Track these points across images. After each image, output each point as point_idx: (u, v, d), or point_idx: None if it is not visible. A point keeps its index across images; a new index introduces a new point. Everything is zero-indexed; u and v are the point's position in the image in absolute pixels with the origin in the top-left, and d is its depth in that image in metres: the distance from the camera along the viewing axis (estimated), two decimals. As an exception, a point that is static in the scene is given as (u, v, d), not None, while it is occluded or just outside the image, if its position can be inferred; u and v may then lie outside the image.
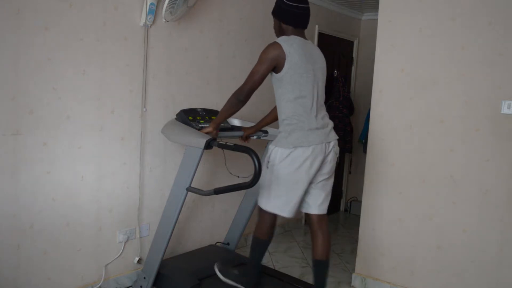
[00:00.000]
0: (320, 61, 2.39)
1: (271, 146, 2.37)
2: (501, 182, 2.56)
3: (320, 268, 2.47)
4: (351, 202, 5.25)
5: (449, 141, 2.71)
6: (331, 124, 2.42)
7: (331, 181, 2.47)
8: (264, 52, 2.28)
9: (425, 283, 2.84)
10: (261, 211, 2.46)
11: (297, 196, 2.34)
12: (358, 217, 3.30)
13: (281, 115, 2.36)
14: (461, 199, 2.69)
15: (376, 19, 3.04)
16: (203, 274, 2.77)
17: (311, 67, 2.30)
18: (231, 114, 2.44)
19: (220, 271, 2.56)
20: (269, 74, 2.34)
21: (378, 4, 3.00)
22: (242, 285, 2.51)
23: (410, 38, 2.83)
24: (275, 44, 2.27)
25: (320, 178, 2.39)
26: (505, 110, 2.51)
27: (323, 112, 2.39)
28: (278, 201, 2.35)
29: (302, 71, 2.26)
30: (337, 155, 2.43)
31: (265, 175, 2.34)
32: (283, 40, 2.28)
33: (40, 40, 2.31)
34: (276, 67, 2.27)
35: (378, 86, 2.99)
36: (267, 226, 2.47)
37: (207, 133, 2.47)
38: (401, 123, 2.89)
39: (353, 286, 3.15)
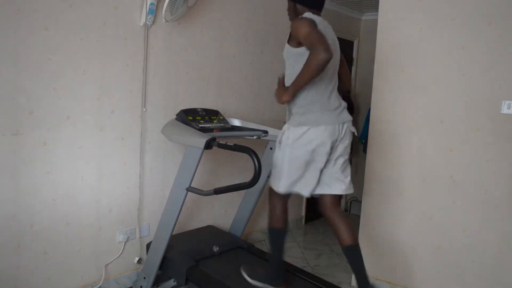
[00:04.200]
0: (336, 44, 2.33)
1: (285, 126, 2.30)
2: (501, 182, 2.56)
3: (352, 253, 2.34)
4: (351, 202, 5.25)
5: (449, 141, 2.71)
6: (343, 104, 2.35)
7: (347, 162, 2.38)
8: (301, 23, 2.10)
9: (425, 283, 2.84)
10: (271, 198, 2.40)
11: (311, 175, 2.29)
12: (358, 217, 3.30)
13: (298, 94, 2.25)
14: (461, 199, 2.69)
15: (376, 19, 3.04)
16: (200, 255, 2.78)
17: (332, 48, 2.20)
18: (314, 78, 2.10)
19: (247, 274, 2.52)
20: (286, 48, 2.25)
21: (378, 4, 3.00)
22: (270, 284, 2.45)
23: (410, 38, 2.83)
24: (305, 17, 2.16)
25: (337, 157, 2.32)
26: (505, 110, 2.51)
27: (336, 93, 2.33)
28: (289, 180, 2.28)
29: None
30: (355, 134, 2.36)
31: (277, 155, 2.32)
32: (309, 14, 2.19)
33: (40, 40, 2.31)
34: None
35: (378, 86, 2.99)
36: (280, 212, 2.39)
37: (284, 100, 2.20)
38: (401, 123, 2.89)
39: (353, 286, 3.15)
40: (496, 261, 2.59)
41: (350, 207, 5.26)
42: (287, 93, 2.16)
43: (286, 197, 2.40)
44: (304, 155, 2.24)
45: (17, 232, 2.35)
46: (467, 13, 2.62)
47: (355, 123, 5.04)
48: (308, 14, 2.21)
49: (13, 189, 2.31)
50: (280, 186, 2.31)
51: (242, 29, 3.53)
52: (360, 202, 3.18)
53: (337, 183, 2.35)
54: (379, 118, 2.99)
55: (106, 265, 2.79)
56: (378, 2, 2.99)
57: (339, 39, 2.40)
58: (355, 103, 5.05)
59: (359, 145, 5.02)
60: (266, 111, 3.84)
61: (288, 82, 2.27)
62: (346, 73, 2.51)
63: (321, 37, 2.02)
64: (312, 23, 2.11)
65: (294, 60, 2.23)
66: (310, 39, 2.05)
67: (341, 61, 2.42)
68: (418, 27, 2.80)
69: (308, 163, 2.26)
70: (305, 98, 2.23)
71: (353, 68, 5.10)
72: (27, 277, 2.42)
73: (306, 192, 2.31)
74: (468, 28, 2.62)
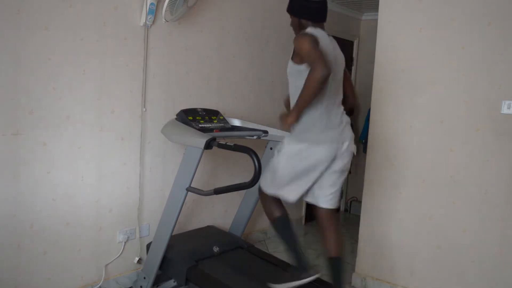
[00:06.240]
0: (339, 58, 2.34)
1: (287, 138, 2.33)
2: (501, 182, 2.56)
3: (334, 265, 2.40)
4: (351, 202, 5.25)
5: (449, 141, 2.71)
6: (345, 120, 2.34)
7: (343, 178, 2.40)
8: (302, 39, 2.12)
9: (425, 283, 2.84)
10: (261, 194, 2.44)
11: (301, 187, 2.32)
12: (358, 217, 3.30)
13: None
14: (461, 199, 2.69)
15: (376, 19, 3.04)
16: (200, 255, 2.79)
17: (333, 64, 2.23)
18: (315, 96, 2.12)
19: (276, 283, 2.43)
20: (290, 64, 2.27)
21: (378, 4, 3.00)
22: (298, 279, 2.37)
23: (410, 38, 2.83)
24: (307, 33, 2.16)
25: (331, 173, 2.33)
26: (505, 110, 2.51)
27: (340, 109, 2.33)
28: (279, 188, 2.33)
29: None
30: (355, 153, 2.38)
31: (273, 161, 2.35)
32: (312, 31, 2.20)
33: (40, 40, 2.31)
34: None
35: (378, 86, 2.99)
36: (272, 202, 2.42)
37: (289, 124, 2.21)
38: (401, 123, 2.89)
39: (353, 286, 3.15)
40: (496, 261, 2.59)
41: (350, 207, 5.26)
42: (291, 116, 2.18)
43: (269, 198, 2.42)
44: (298, 169, 2.27)
45: (17, 232, 2.35)
46: (467, 13, 2.61)
47: (355, 123, 5.06)
48: (310, 30, 2.22)
49: (13, 189, 2.31)
50: (269, 188, 2.37)
51: (242, 29, 3.53)
52: (360, 202, 3.18)
53: (324, 197, 2.37)
54: (379, 118, 2.99)
55: (106, 265, 2.79)
56: (378, 2, 2.99)
57: (339, 39, 2.40)
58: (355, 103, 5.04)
59: (359, 145, 5.01)
60: (266, 111, 3.84)
61: (292, 99, 2.30)
62: (350, 88, 2.50)
63: (320, 55, 2.05)
64: (313, 40, 2.12)
65: (297, 77, 2.24)
66: (310, 57, 2.07)
67: (345, 75, 2.42)
68: (418, 27, 2.80)
69: (300, 175, 2.29)
70: (307, 114, 2.24)
71: (353, 68, 5.10)
72: (27, 277, 2.42)
73: (291, 198, 2.34)
74: (468, 28, 2.62)
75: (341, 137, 2.28)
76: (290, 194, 2.34)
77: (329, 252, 2.39)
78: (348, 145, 2.31)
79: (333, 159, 2.29)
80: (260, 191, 2.46)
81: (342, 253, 2.39)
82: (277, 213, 2.44)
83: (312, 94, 2.07)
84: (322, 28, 2.32)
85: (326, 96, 2.25)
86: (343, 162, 2.33)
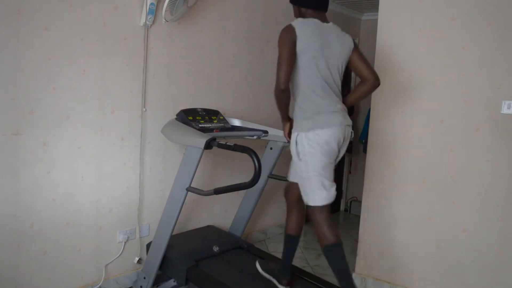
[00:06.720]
0: (338, 46, 2.27)
1: (295, 134, 2.24)
2: (501, 182, 2.56)
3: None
4: (351, 202, 5.25)
5: (449, 141, 2.71)
6: (344, 107, 2.33)
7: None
8: (280, 37, 2.19)
9: (425, 283, 2.84)
10: (313, 217, 2.28)
11: (332, 177, 2.27)
12: (358, 217, 3.30)
13: (299, 98, 2.26)
14: (461, 199, 2.69)
15: (376, 19, 3.04)
16: (200, 255, 2.79)
17: (324, 52, 2.21)
18: (285, 106, 2.31)
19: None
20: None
21: (378, 4, 3.00)
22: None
23: (410, 38, 2.83)
24: (288, 27, 2.19)
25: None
26: (505, 110, 2.51)
27: (339, 96, 2.33)
28: (324, 192, 2.21)
29: (314, 56, 2.18)
30: (351, 140, 2.37)
31: (301, 168, 2.23)
32: (297, 23, 2.20)
33: (40, 40, 2.31)
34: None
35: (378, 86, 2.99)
36: (327, 228, 2.27)
37: (288, 132, 2.40)
38: (401, 123, 2.89)
39: (353, 286, 3.14)
40: (496, 261, 2.59)
41: (350, 207, 5.26)
42: (283, 126, 2.45)
43: (325, 211, 2.26)
44: (325, 156, 2.20)
45: (17, 232, 2.35)
46: (467, 13, 2.61)
47: (355, 123, 5.06)
48: (297, 22, 2.21)
49: (13, 189, 2.31)
50: (316, 199, 2.23)
51: (242, 29, 3.53)
52: (360, 202, 3.18)
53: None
54: (379, 118, 2.99)
55: (106, 265, 2.79)
56: (378, 2, 2.99)
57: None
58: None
59: (359, 145, 5.02)
60: (266, 111, 3.84)
61: (291, 90, 2.29)
62: (366, 68, 2.36)
63: (282, 72, 2.15)
64: (287, 40, 2.16)
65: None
66: (277, 66, 2.19)
67: (357, 57, 2.34)
68: (418, 27, 2.80)
69: (329, 165, 2.23)
70: (308, 101, 2.23)
71: (353, 68, 5.10)
72: (27, 277, 2.42)
73: (332, 198, 2.26)
74: (468, 28, 2.62)
75: (345, 121, 2.28)
76: (332, 196, 2.25)
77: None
78: (349, 131, 2.32)
79: (339, 144, 2.27)
80: (312, 212, 2.26)
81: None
82: (330, 240, 2.27)
83: (277, 104, 2.30)
84: (322, 17, 2.29)
85: (329, 82, 2.24)
86: (343, 149, 2.33)
